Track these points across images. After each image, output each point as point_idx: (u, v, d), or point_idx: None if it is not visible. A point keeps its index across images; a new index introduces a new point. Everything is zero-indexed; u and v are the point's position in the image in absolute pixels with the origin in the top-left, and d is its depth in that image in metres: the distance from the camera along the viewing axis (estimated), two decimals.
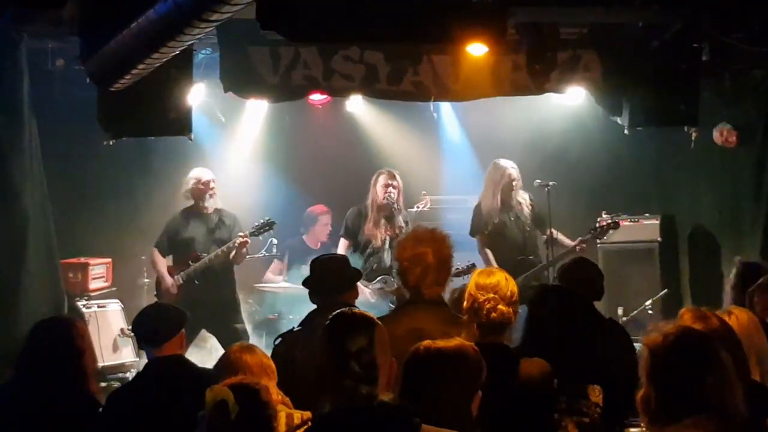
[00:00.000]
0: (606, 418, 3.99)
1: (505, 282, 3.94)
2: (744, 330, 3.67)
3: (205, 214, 7.93)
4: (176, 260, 7.93)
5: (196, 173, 7.98)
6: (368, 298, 7.54)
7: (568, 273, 5.12)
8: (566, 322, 4.31)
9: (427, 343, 3.06)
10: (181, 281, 7.80)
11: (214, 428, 2.71)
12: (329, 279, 4.63)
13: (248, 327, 8.09)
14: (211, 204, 7.92)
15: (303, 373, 4.10)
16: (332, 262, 4.84)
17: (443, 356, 3.01)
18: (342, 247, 8.05)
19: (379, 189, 8.01)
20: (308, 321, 4.54)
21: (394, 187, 7.99)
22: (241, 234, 7.84)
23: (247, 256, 8.25)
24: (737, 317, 3.75)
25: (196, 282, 7.77)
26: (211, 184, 7.92)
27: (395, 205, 7.98)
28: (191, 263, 7.79)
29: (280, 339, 4.56)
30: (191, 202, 7.96)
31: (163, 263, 7.90)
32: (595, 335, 4.58)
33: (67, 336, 4.16)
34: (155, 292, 7.93)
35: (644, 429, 2.82)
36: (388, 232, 7.98)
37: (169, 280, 7.80)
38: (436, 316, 4.17)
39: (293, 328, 4.60)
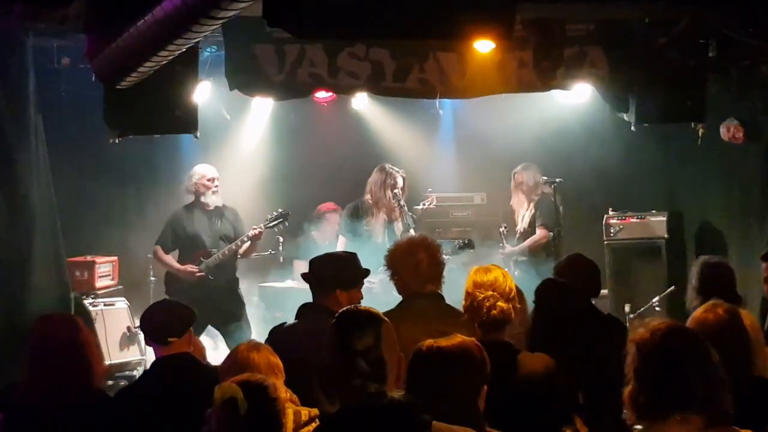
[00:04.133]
0: (605, 415, 3.99)
1: (503, 278, 3.94)
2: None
3: (207, 210, 7.93)
4: (183, 256, 7.93)
5: (201, 169, 7.98)
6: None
7: (564, 269, 5.08)
8: (567, 318, 4.31)
9: (429, 342, 3.05)
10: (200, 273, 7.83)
11: (223, 425, 2.71)
12: (314, 277, 4.61)
13: (254, 325, 8.08)
14: (213, 201, 7.93)
15: (291, 369, 4.03)
16: (322, 259, 4.74)
17: (447, 354, 3.00)
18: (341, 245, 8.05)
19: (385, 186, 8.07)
20: (298, 317, 4.56)
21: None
22: (254, 227, 7.87)
23: (254, 254, 8.25)
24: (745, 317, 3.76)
25: (210, 278, 7.80)
26: (216, 181, 7.93)
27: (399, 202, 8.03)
28: (203, 259, 7.81)
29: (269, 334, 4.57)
30: (192, 198, 7.96)
31: (172, 258, 7.92)
32: (594, 331, 4.58)
33: (68, 329, 4.15)
34: (165, 289, 7.91)
35: (633, 424, 2.83)
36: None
37: (187, 270, 7.79)
38: (435, 310, 4.19)
39: (284, 322, 4.61)
